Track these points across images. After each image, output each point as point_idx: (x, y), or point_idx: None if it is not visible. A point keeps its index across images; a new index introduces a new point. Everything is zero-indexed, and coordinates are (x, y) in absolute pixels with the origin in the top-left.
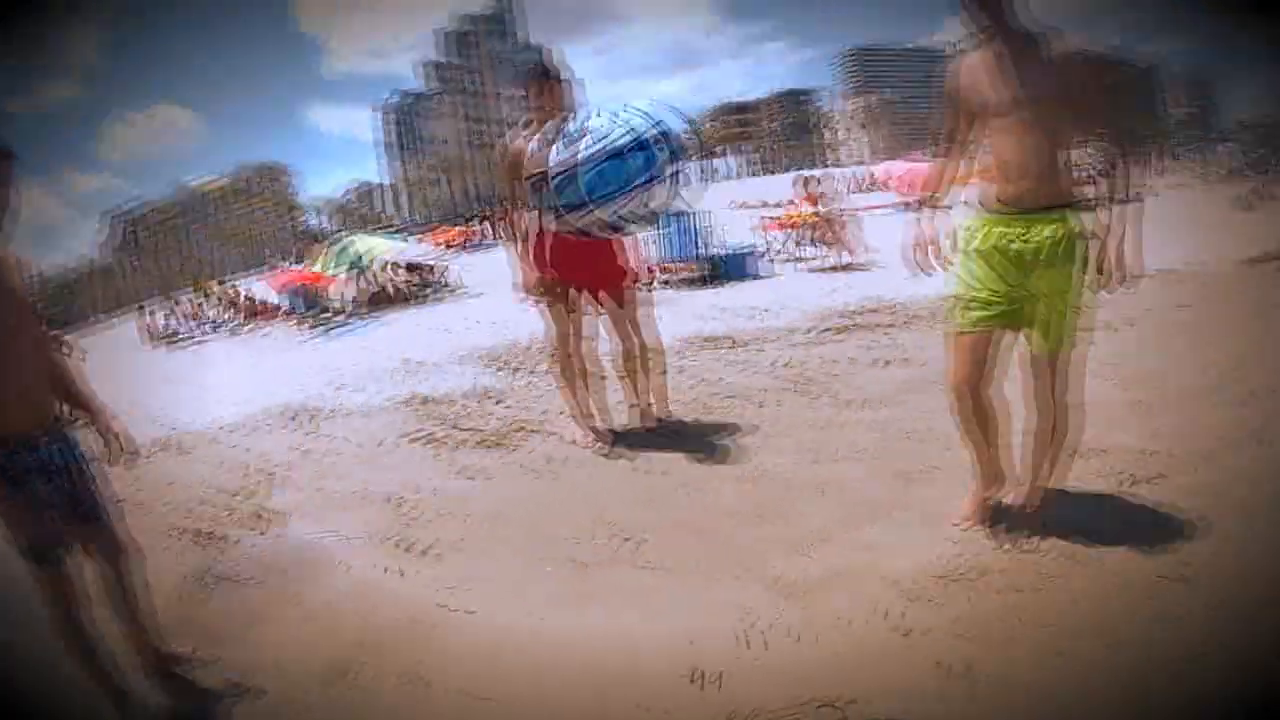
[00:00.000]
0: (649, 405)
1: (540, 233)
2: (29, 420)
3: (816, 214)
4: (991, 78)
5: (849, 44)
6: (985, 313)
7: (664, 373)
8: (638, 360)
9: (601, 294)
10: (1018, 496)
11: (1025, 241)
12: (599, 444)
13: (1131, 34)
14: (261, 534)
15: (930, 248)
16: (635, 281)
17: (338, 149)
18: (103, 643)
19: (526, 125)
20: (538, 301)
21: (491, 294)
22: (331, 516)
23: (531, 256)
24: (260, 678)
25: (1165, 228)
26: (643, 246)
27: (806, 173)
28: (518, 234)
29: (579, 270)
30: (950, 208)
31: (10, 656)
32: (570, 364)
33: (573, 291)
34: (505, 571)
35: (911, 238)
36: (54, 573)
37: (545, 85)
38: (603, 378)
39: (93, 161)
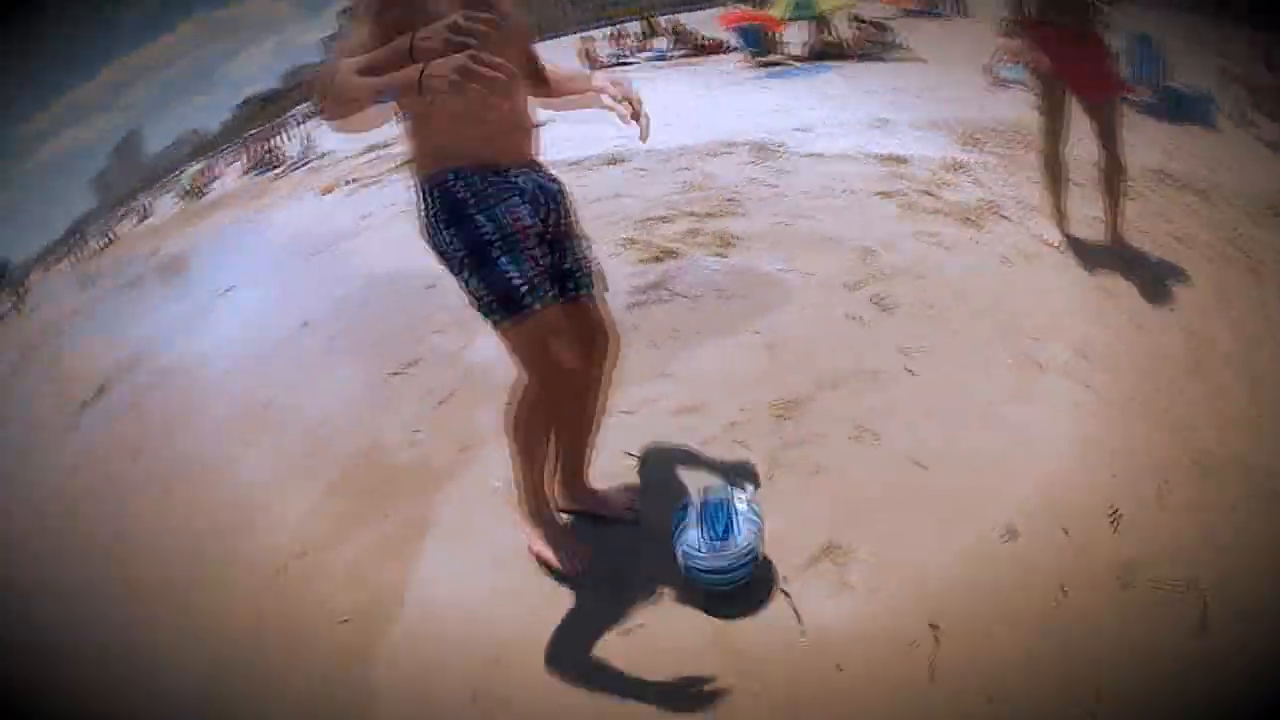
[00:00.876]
0: (1112, 226)
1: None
2: (515, 154)
3: None
4: None
5: None
6: None
7: (1123, 195)
8: (1103, 174)
9: (1080, 94)
10: None
11: None
12: (1061, 249)
13: None
14: (724, 257)
15: None
16: (1120, 92)
17: None
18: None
19: None
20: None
21: (941, 65)
22: (798, 254)
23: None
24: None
25: None
26: None
27: None
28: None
29: (1067, 63)
30: None
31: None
32: (1053, 161)
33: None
34: (960, 347)
35: None
36: (537, 337)
37: None
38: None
39: None
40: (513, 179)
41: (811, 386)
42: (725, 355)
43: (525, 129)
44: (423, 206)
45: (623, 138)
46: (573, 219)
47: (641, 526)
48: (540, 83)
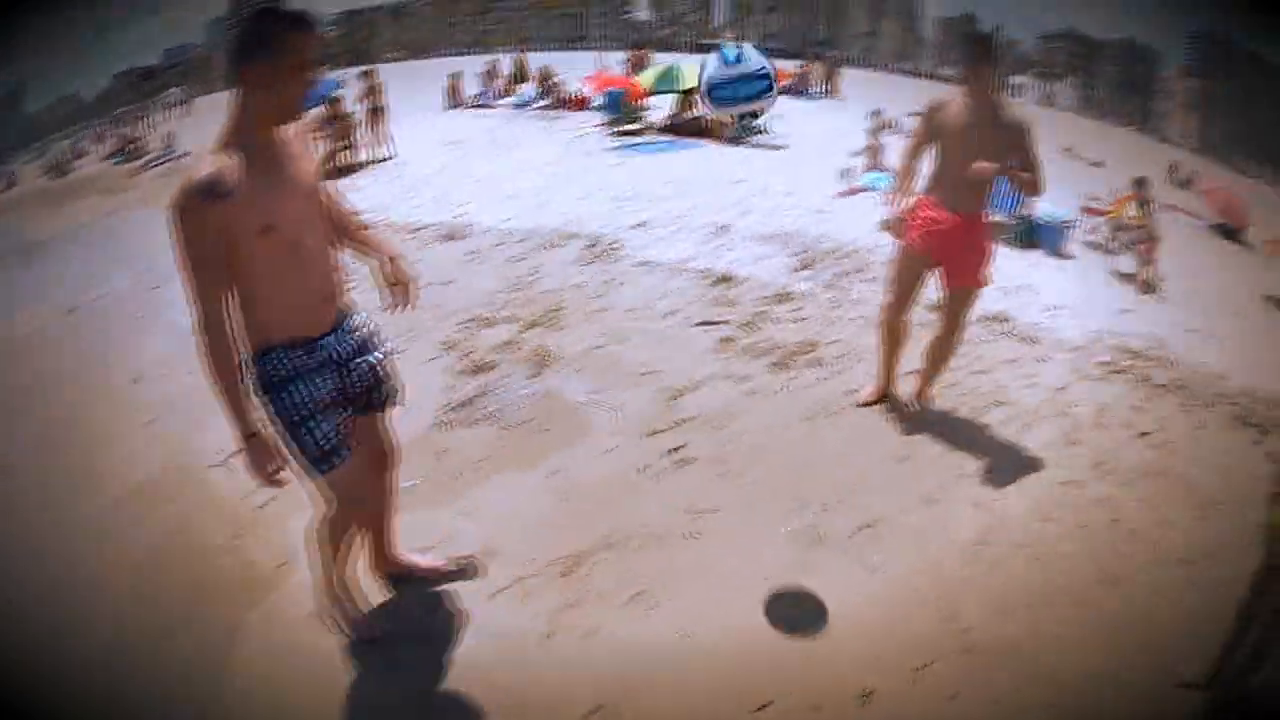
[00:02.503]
0: (923, 388)
1: (927, 203)
2: (324, 321)
3: (1141, 219)
4: None
5: (1208, 23)
6: None
7: (945, 367)
8: (940, 345)
9: (949, 279)
10: None
11: None
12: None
13: None
14: (537, 378)
15: None
16: (982, 285)
17: None
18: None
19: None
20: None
21: (797, 147)
22: (609, 385)
23: (910, 219)
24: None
25: None
26: None
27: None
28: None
29: (947, 250)
30: None
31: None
32: (896, 326)
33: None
34: (748, 511)
35: None
36: (341, 485)
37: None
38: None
39: None
40: (322, 346)
41: (598, 543)
42: (523, 496)
43: (334, 297)
44: (249, 373)
45: (465, 210)
46: (383, 362)
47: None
48: (343, 236)
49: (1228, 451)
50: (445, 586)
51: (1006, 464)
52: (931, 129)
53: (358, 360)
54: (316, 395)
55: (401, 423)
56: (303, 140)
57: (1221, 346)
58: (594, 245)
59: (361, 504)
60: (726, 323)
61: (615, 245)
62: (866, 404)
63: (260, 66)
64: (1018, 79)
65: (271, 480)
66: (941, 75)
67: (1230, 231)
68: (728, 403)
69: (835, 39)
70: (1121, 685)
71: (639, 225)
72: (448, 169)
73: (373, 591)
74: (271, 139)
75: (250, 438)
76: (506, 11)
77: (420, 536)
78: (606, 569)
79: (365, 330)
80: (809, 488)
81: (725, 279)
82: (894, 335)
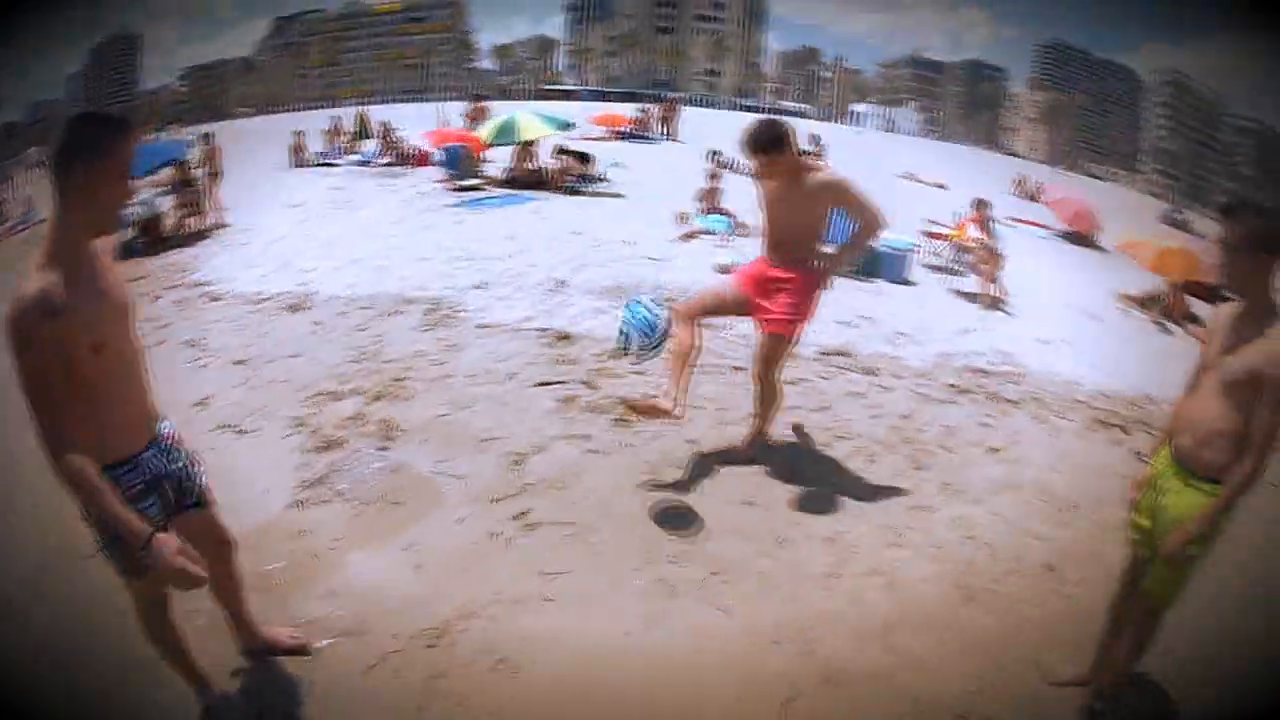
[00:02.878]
0: (752, 436)
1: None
2: (144, 435)
3: (982, 240)
4: None
5: (1052, 36)
6: None
7: (770, 414)
8: (756, 394)
9: (760, 324)
10: None
11: None
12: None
13: None
14: (386, 451)
15: None
16: (791, 334)
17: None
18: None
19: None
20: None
21: (633, 198)
22: (455, 454)
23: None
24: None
25: None
26: None
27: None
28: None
29: (761, 294)
30: None
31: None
32: (682, 334)
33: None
34: (599, 569)
35: None
36: (151, 588)
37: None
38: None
39: None
40: (140, 463)
41: (458, 613)
42: (382, 571)
43: (154, 410)
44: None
45: (309, 277)
46: (196, 473)
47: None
48: None
49: (1086, 455)
50: (319, 665)
51: (854, 496)
52: (759, 197)
53: (171, 468)
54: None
55: (259, 504)
56: (110, 252)
57: (1075, 352)
58: (435, 309)
59: (163, 604)
60: (564, 382)
61: (455, 308)
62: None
63: (83, 172)
64: (859, 107)
65: (190, 572)
66: (783, 109)
67: (1081, 238)
68: (571, 463)
69: (676, 80)
70: (997, 695)
71: (479, 286)
72: (291, 234)
73: (242, 674)
74: (92, 251)
75: (153, 536)
76: (353, 63)
77: (286, 620)
78: (468, 639)
79: (173, 437)
80: (656, 541)
81: (564, 337)
82: (685, 349)
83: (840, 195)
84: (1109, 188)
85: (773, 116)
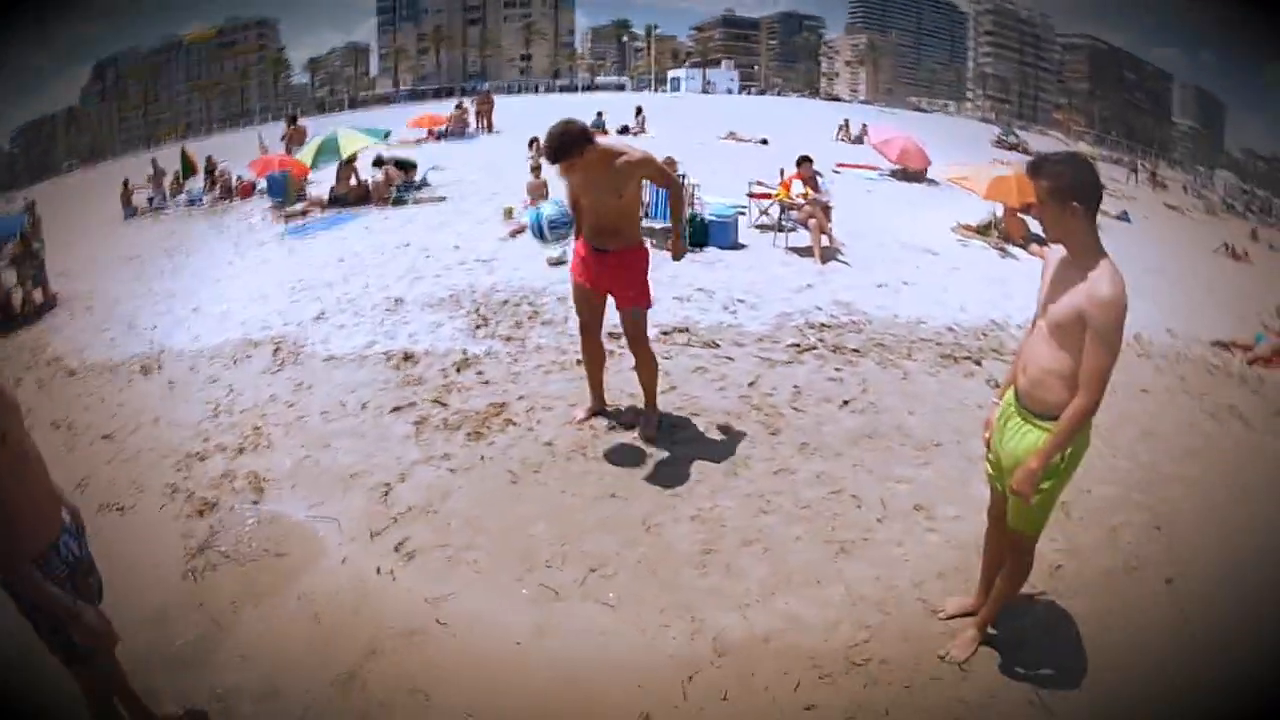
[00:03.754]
0: (648, 413)
1: (580, 244)
2: (57, 522)
3: (805, 195)
4: None
5: None
6: None
7: (655, 384)
8: (637, 370)
9: (618, 302)
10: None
11: None
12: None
13: (1154, 34)
14: (258, 504)
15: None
16: (645, 305)
17: (329, 8)
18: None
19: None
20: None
21: (457, 199)
22: (325, 495)
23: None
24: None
25: (1147, 271)
26: None
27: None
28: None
29: (603, 277)
30: None
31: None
32: (592, 348)
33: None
34: (481, 586)
35: None
36: (106, 666)
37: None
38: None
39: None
40: (60, 546)
41: (362, 654)
42: (282, 625)
43: (56, 498)
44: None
45: (154, 334)
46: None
47: None
48: None
49: (940, 392)
50: None
51: (714, 471)
52: (569, 185)
53: (83, 552)
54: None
55: (156, 581)
56: None
57: (916, 292)
58: (279, 349)
59: (109, 698)
60: (414, 404)
61: (299, 345)
62: (581, 421)
63: None
64: (674, 73)
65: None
66: (599, 85)
67: (911, 175)
68: (436, 485)
69: (489, 70)
70: (888, 637)
71: (318, 317)
72: (131, 291)
73: None
74: None
75: (77, 613)
76: (172, 98)
77: (208, 692)
78: (379, 677)
79: (76, 519)
80: (532, 548)
81: (408, 357)
82: (591, 358)
83: (644, 170)
84: (938, 119)
85: (563, 121)
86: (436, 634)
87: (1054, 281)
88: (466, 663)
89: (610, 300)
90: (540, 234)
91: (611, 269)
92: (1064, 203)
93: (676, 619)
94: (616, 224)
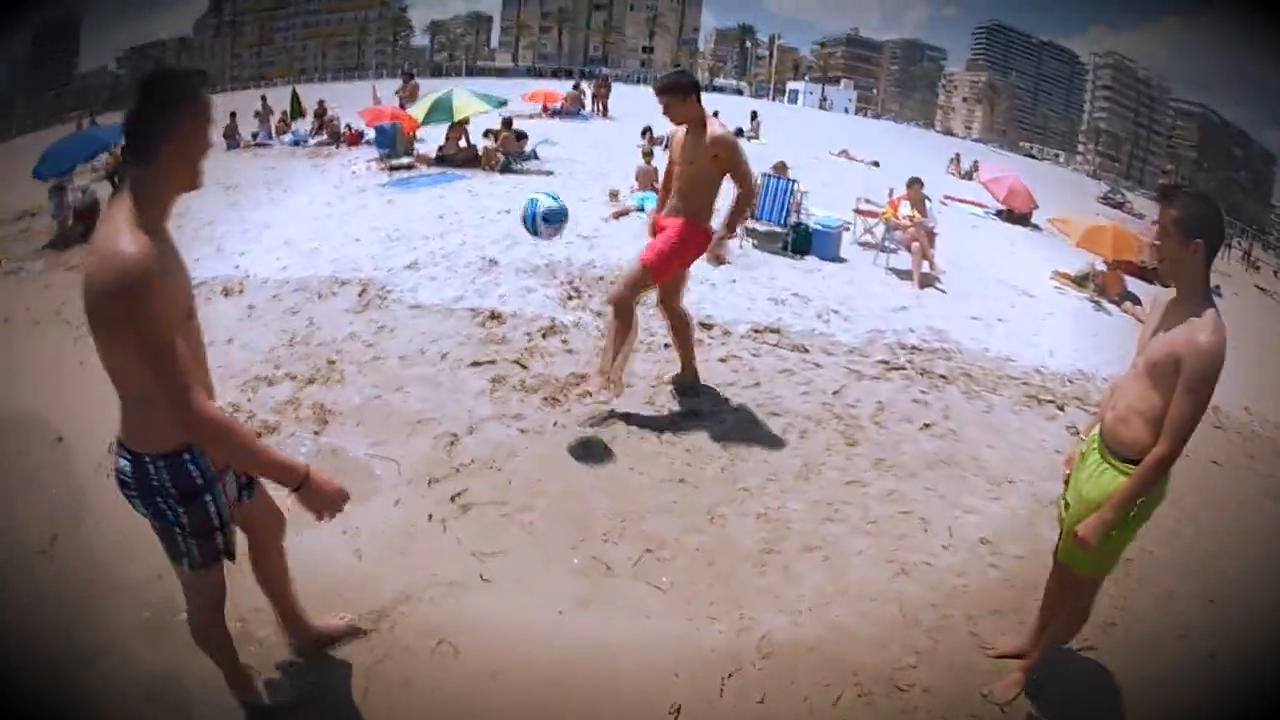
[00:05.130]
0: (686, 367)
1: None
2: None
3: (912, 218)
4: None
5: (989, 16)
6: None
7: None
8: (671, 329)
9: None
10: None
11: None
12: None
13: (1266, 115)
14: (320, 435)
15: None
16: (676, 270)
17: None
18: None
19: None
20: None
21: (565, 175)
22: (389, 436)
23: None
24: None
25: (1231, 346)
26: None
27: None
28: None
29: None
30: None
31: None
32: (624, 311)
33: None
34: (533, 549)
35: None
36: (219, 575)
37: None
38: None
39: None
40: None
41: (397, 598)
42: (320, 556)
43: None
44: (144, 475)
45: (242, 260)
46: None
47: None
48: None
49: (1021, 431)
50: (267, 654)
51: (786, 472)
52: (670, 148)
53: None
54: (226, 495)
55: None
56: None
57: (1008, 330)
58: (365, 291)
59: (221, 603)
60: (494, 362)
61: (387, 290)
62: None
63: (185, 129)
64: (794, 85)
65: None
66: (718, 86)
67: (1016, 216)
68: (503, 443)
69: (610, 57)
70: (935, 665)
71: (410, 266)
72: (225, 216)
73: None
74: (168, 215)
75: (306, 478)
76: (286, 42)
77: (234, 608)
78: (408, 622)
79: None
80: (590, 520)
81: (495, 316)
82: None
83: (727, 153)
84: (1047, 167)
85: (682, 68)
86: (476, 589)
87: (1160, 320)
88: (501, 623)
89: (686, 272)
90: (533, 225)
91: (659, 230)
92: (1187, 237)
93: (726, 613)
94: (688, 194)
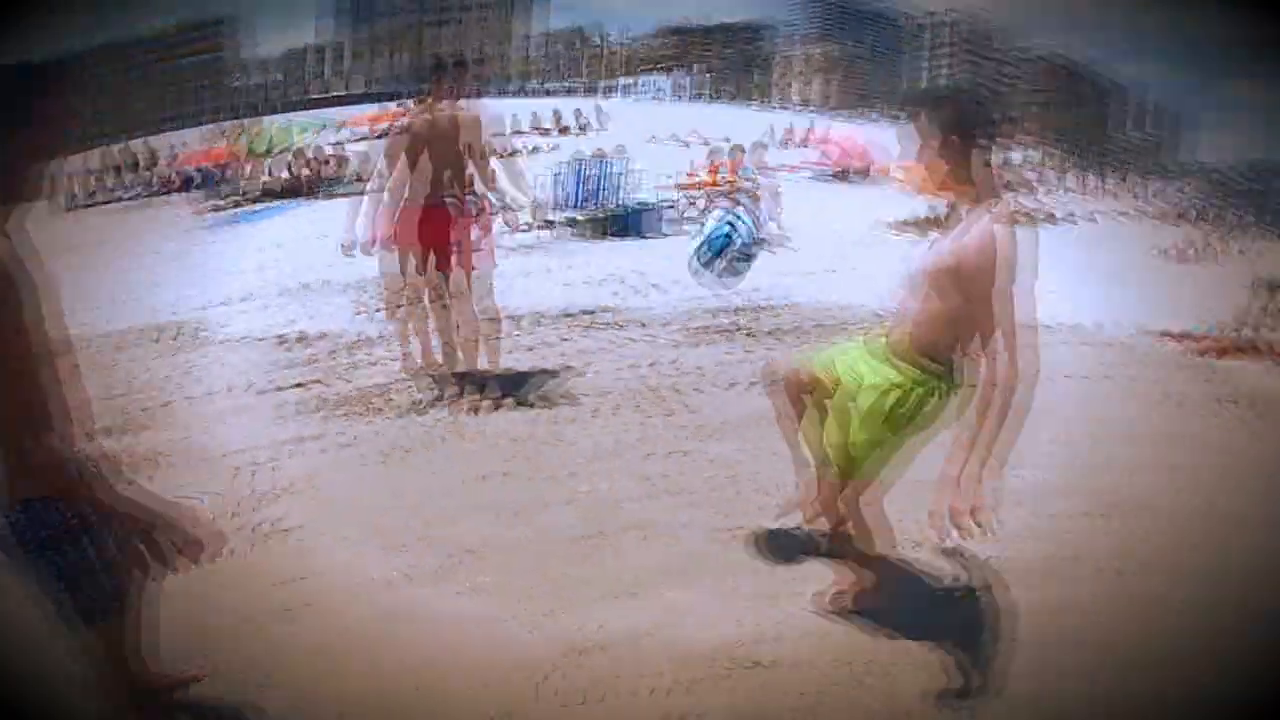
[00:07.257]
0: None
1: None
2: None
3: (720, 182)
4: None
5: None
6: None
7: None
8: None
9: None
10: None
11: None
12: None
13: (1111, 50)
14: (151, 479)
15: None
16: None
17: (282, 6)
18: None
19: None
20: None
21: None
22: (194, 476)
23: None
24: None
25: (1086, 269)
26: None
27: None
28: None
29: (437, 239)
30: None
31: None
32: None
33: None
34: (348, 568)
35: None
36: (116, 622)
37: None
38: None
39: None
40: None
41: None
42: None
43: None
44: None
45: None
46: None
47: None
48: None
49: None
50: None
51: (607, 451)
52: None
53: None
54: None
55: None
56: None
57: (846, 280)
58: (180, 334)
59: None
60: (301, 385)
61: (198, 328)
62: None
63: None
64: (625, 80)
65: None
66: (548, 91)
67: (856, 174)
68: (312, 464)
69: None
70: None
71: (224, 303)
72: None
73: None
74: None
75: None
76: (123, 94)
77: None
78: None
79: None
80: (399, 528)
81: (301, 339)
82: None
83: (471, 131)
84: (890, 127)
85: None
86: (303, 615)
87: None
88: (314, 646)
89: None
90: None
91: (436, 226)
92: (945, 136)
93: (548, 607)
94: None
